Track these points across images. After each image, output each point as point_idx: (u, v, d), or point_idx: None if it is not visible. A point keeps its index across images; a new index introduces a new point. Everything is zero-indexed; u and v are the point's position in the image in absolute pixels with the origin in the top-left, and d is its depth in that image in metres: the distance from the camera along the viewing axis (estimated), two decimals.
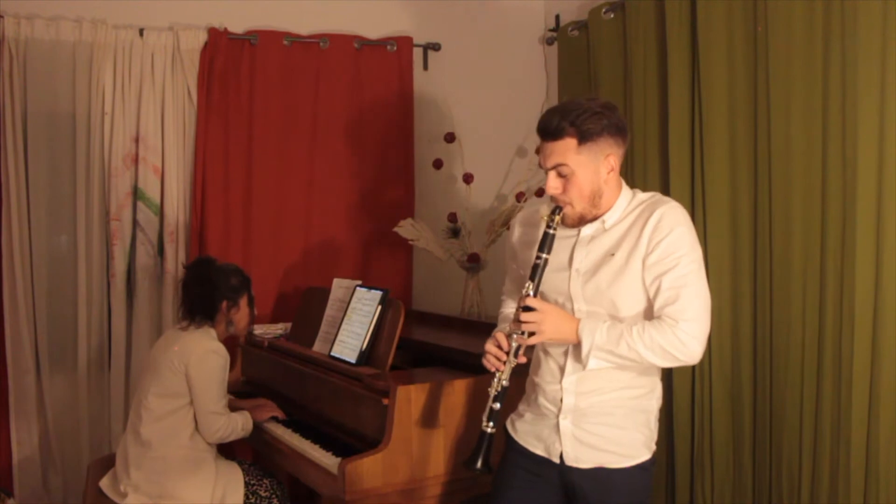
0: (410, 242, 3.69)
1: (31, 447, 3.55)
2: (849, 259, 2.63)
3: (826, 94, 2.70)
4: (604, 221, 2.12)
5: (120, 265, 3.60)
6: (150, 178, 3.63)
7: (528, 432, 2.25)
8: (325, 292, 3.34)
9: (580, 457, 2.14)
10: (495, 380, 2.11)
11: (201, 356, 2.91)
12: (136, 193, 3.63)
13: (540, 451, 2.21)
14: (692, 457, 3.21)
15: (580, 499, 2.17)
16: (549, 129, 2.05)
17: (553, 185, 2.08)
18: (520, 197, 3.89)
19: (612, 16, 3.62)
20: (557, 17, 4.12)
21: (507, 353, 2.09)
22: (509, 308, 2.40)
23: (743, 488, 3.04)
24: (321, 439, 2.87)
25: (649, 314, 2.07)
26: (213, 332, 3.02)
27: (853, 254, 2.61)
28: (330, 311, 3.25)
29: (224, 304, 3.05)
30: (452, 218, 3.83)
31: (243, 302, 3.12)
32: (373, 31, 3.98)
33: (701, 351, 2.01)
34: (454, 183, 3.92)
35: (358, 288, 3.13)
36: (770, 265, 2.89)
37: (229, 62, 3.71)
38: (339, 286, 3.29)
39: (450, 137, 3.86)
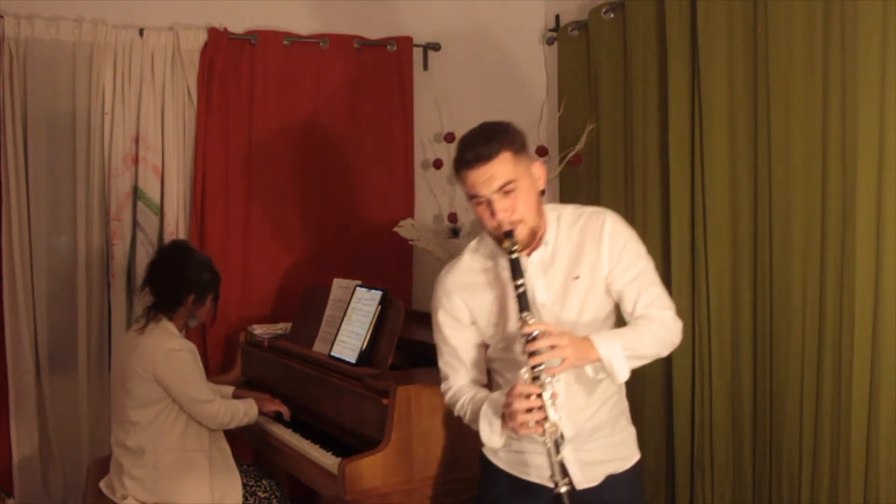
0: (410, 242, 3.69)
1: (31, 447, 3.55)
2: (849, 259, 2.63)
3: (826, 94, 2.70)
4: (546, 243, 2.07)
5: (120, 265, 3.60)
6: (150, 178, 3.63)
7: (515, 461, 2.17)
8: (324, 292, 3.33)
9: (591, 476, 2.12)
10: (546, 432, 1.86)
11: (165, 359, 2.83)
12: (136, 193, 3.63)
13: (534, 479, 2.14)
14: (692, 457, 3.21)
15: None
16: (484, 154, 1.95)
17: (503, 206, 1.96)
18: None
19: (612, 16, 3.62)
20: (557, 17, 4.11)
21: (541, 396, 1.86)
22: (467, 391, 2.14)
23: (743, 488, 3.04)
24: (321, 439, 2.87)
25: (612, 320, 2.13)
26: (171, 327, 2.93)
27: (853, 254, 2.61)
28: (330, 311, 3.25)
29: (191, 297, 2.97)
30: (452, 218, 3.82)
31: (209, 299, 3.05)
32: (373, 31, 3.98)
33: None
34: (454, 183, 3.91)
35: (358, 288, 3.13)
36: (770, 265, 2.89)
37: (229, 62, 3.71)
38: (339, 286, 3.29)
39: (450, 137, 3.85)
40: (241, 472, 3.02)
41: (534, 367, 1.87)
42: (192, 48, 3.65)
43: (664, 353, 2.09)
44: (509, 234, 1.97)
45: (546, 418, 1.86)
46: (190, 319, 3.03)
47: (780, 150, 2.84)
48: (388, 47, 3.96)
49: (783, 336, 2.85)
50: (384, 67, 3.96)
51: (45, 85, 3.48)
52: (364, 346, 2.91)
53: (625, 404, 2.24)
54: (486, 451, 2.26)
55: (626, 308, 2.08)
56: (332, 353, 3.05)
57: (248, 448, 3.58)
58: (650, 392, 3.44)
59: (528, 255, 2.07)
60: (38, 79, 3.46)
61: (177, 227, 3.67)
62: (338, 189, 3.91)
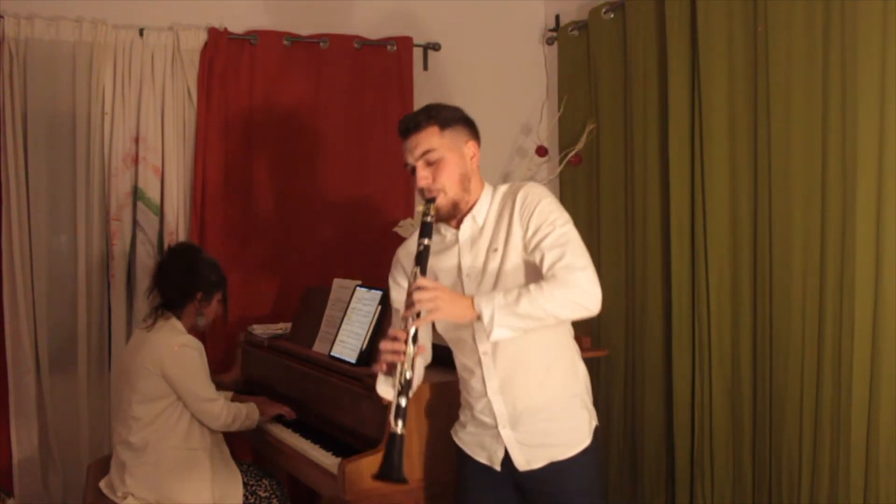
0: None
1: (31, 447, 3.54)
2: (849, 259, 2.63)
3: (826, 94, 2.70)
4: (474, 217, 2.19)
5: (120, 265, 3.60)
6: (150, 178, 3.63)
7: (471, 442, 2.30)
8: (325, 292, 3.33)
9: (531, 459, 2.18)
10: (397, 373, 1.94)
11: (173, 354, 2.86)
12: (136, 193, 3.63)
13: (483, 460, 2.26)
14: (692, 457, 3.21)
15: (536, 495, 2.22)
16: (411, 124, 2.16)
17: (423, 175, 2.14)
18: None
19: (612, 16, 3.63)
20: (557, 17, 4.12)
21: (405, 343, 1.94)
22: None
23: (743, 488, 3.04)
24: (321, 439, 2.87)
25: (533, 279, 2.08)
26: (179, 325, 2.97)
27: (853, 254, 2.61)
28: (330, 311, 3.25)
29: (199, 294, 3.01)
30: None
31: (216, 298, 3.09)
32: (373, 31, 3.98)
33: (600, 296, 2.01)
34: None
35: (358, 288, 3.13)
36: (770, 264, 2.89)
37: (229, 62, 3.71)
38: (339, 286, 3.29)
39: None
40: (241, 471, 3.03)
41: (406, 318, 1.97)
42: (192, 48, 3.65)
43: (567, 314, 2.01)
44: (430, 201, 2.13)
45: (401, 362, 1.94)
46: (198, 318, 3.06)
47: (780, 150, 2.84)
48: (388, 47, 3.96)
49: (783, 336, 2.85)
50: (384, 67, 3.95)
51: (45, 85, 3.48)
52: (364, 346, 2.90)
53: (579, 388, 2.23)
54: (452, 432, 2.37)
55: (542, 268, 2.06)
56: (332, 353, 3.05)
57: (248, 448, 3.58)
58: (650, 392, 3.44)
59: (457, 227, 2.21)
60: (38, 79, 3.46)
61: (177, 227, 3.67)
62: (338, 189, 3.91)
